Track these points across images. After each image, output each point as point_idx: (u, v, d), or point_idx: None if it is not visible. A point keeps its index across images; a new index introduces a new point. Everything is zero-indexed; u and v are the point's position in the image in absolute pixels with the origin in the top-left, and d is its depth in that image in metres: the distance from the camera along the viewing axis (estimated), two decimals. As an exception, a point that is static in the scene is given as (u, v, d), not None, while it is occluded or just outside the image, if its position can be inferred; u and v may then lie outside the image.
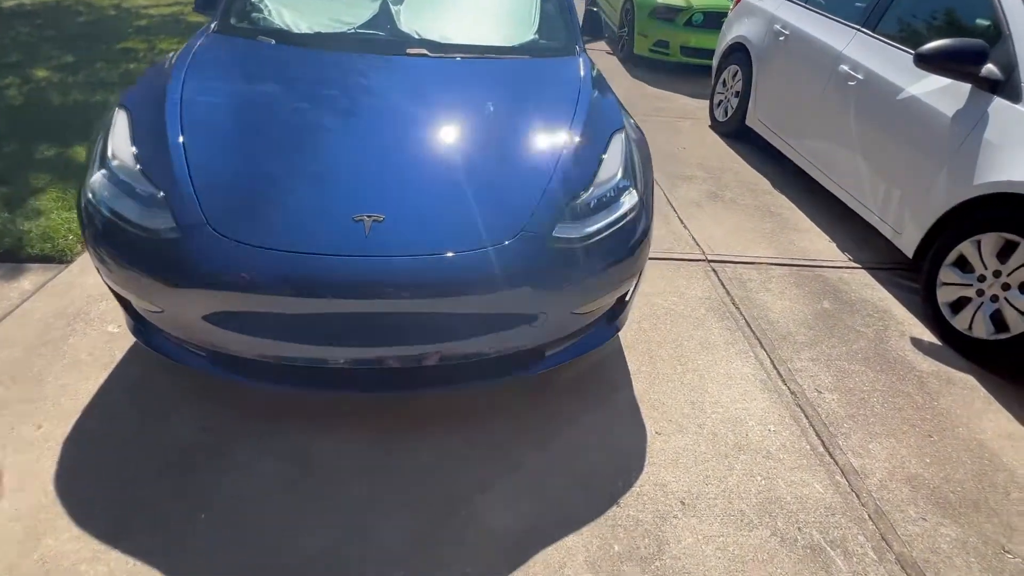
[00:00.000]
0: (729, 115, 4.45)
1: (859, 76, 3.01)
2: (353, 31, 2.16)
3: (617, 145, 1.78)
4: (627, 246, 1.67)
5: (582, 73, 2.12)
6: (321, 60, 2.04)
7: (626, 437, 1.83)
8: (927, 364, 2.29)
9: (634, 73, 6.06)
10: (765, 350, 2.26)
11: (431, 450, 1.71)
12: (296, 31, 2.13)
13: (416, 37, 2.16)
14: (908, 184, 2.67)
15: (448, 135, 1.80)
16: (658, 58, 6.07)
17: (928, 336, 2.45)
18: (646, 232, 1.74)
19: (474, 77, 2.02)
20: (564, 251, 1.53)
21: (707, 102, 4.86)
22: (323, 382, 1.56)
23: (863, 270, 2.89)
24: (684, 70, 6.07)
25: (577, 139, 1.76)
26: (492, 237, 1.47)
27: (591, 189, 1.63)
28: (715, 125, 4.68)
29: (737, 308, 2.49)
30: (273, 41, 2.04)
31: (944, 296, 2.43)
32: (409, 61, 2.04)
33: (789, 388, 2.09)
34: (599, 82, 2.19)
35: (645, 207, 1.76)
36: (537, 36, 2.36)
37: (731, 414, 1.95)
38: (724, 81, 4.57)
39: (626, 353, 2.17)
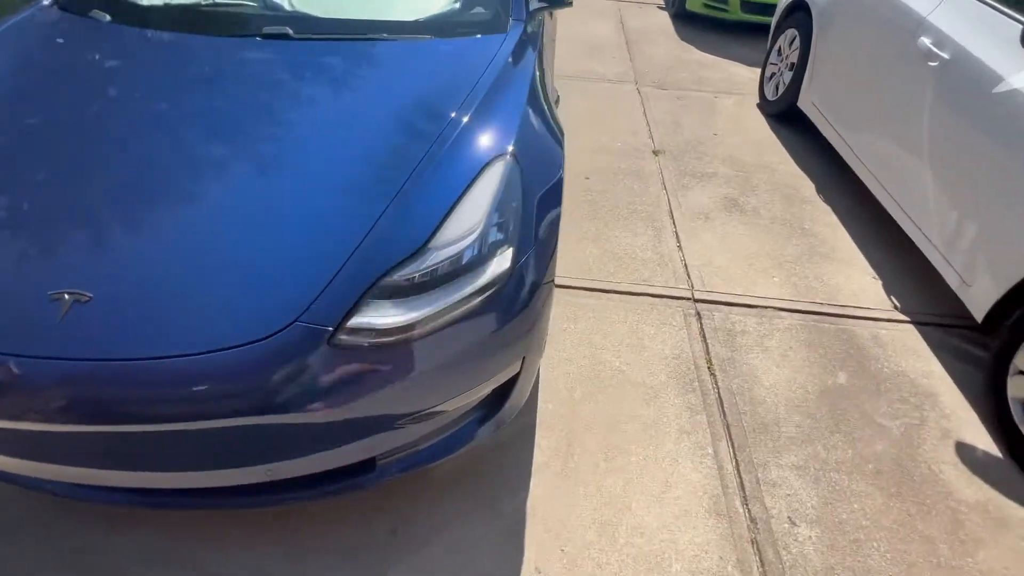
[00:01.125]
0: (780, 93, 3.58)
1: (944, 55, 2.16)
2: (210, 4, 1.69)
3: (489, 182, 1.22)
4: (486, 333, 1.16)
5: (489, 64, 1.52)
6: (137, 48, 1.58)
7: (494, 570, 1.37)
8: (972, 490, 1.61)
9: (683, 33, 5.14)
10: (732, 446, 1.68)
11: (229, 564, 1.33)
12: (143, 3, 1.69)
13: (286, 11, 1.66)
14: (992, 218, 1.88)
15: (234, 171, 1.26)
16: (714, 15, 5.10)
17: (985, 442, 1.75)
18: (525, 306, 1.21)
19: (334, 72, 1.48)
20: (364, 350, 1.05)
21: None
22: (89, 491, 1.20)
23: (911, 325, 2.15)
24: (744, 31, 5.08)
25: (427, 175, 1.21)
26: (246, 330, 1.01)
27: (428, 254, 1.11)
28: (763, 104, 3.81)
29: (712, 375, 1.89)
30: (108, 18, 1.61)
31: (1018, 390, 1.71)
32: (260, 47, 1.54)
33: (748, 512, 1.52)
34: (510, 76, 1.55)
35: (530, 271, 1.22)
36: (457, 6, 1.78)
37: (652, 550, 1.42)
38: (779, 49, 3.67)
39: (538, 435, 1.67)
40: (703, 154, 3.22)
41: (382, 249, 1.10)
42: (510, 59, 1.57)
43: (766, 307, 2.18)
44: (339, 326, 1.03)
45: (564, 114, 3.64)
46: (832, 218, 2.74)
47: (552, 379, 1.84)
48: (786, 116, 3.56)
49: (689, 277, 2.31)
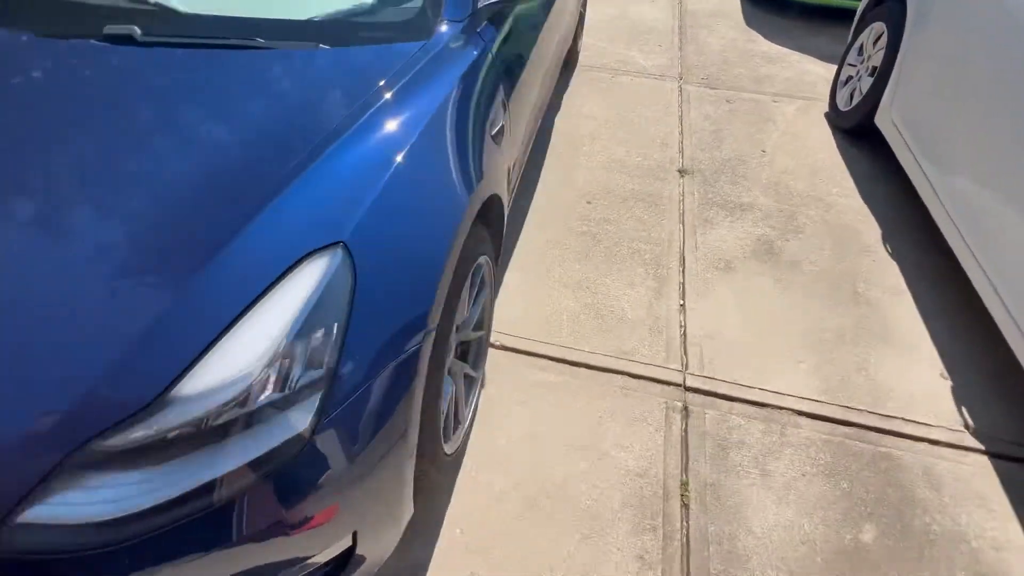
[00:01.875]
0: (855, 103, 2.88)
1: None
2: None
3: (291, 294, 0.80)
4: (262, 526, 0.77)
5: (372, 91, 1.04)
6: None
7: None
8: None
9: (753, 18, 4.37)
10: (688, 630, 1.22)
11: None
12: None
13: (146, 5, 1.28)
14: None
15: None
16: (791, -3, 4.30)
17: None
18: (338, 483, 0.81)
19: (148, 101, 1.03)
20: (45, 563, 0.69)
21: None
22: None
23: (985, 458, 1.57)
24: (830, 18, 4.25)
25: (201, 277, 0.79)
26: None
27: (166, 409, 0.73)
28: (832, 115, 3.11)
29: (685, 508, 1.42)
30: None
31: None
32: (96, 55, 1.17)
33: None
34: (402, 109, 1.06)
35: (354, 430, 0.82)
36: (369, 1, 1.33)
37: None
38: (861, 47, 2.94)
39: None
40: (742, 177, 2.62)
41: (102, 394, 0.73)
42: (415, 81, 1.11)
43: (781, 408, 1.66)
44: (3, 520, 0.68)
45: (580, 116, 3.19)
46: (897, 279, 2.12)
47: (470, 487, 1.44)
48: (860, 133, 2.86)
49: (685, 353, 1.81)
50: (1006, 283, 1.67)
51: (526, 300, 1.97)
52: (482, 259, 1.36)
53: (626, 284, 2.05)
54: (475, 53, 1.28)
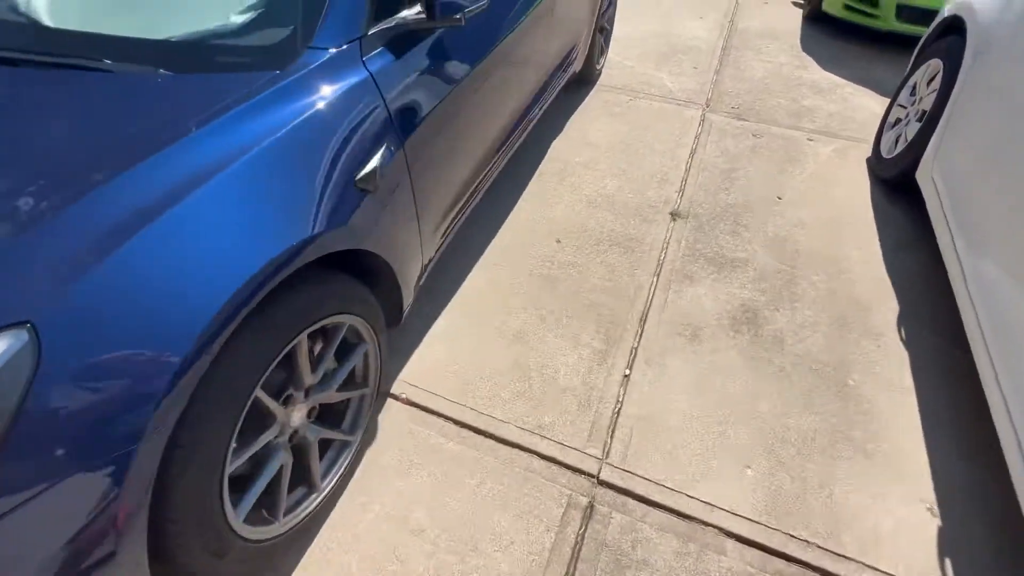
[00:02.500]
0: (898, 150, 2.46)
1: None
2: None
3: None
4: None
5: (174, 138, 0.88)
6: None
7: None
8: None
9: (809, 42, 3.94)
10: None
11: None
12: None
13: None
14: None
15: None
16: (858, 21, 3.83)
17: None
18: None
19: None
20: None
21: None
22: None
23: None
24: (896, 46, 3.75)
25: None
26: None
27: None
28: (874, 161, 2.69)
29: (550, 637, 1.19)
30: None
31: None
32: None
33: None
34: (194, 160, 0.90)
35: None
36: (247, 13, 1.19)
37: None
38: (915, 86, 2.52)
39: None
40: (744, 227, 2.30)
41: None
42: (238, 116, 0.95)
43: (707, 523, 1.38)
44: None
45: (581, 141, 2.91)
46: (903, 375, 1.75)
47: (320, 567, 1.27)
48: (900, 186, 2.45)
49: (611, 437, 1.56)
50: (1022, 409, 1.30)
51: (452, 348, 1.78)
52: (344, 318, 1.19)
53: (570, 342, 1.81)
54: (344, 85, 1.11)
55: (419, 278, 1.62)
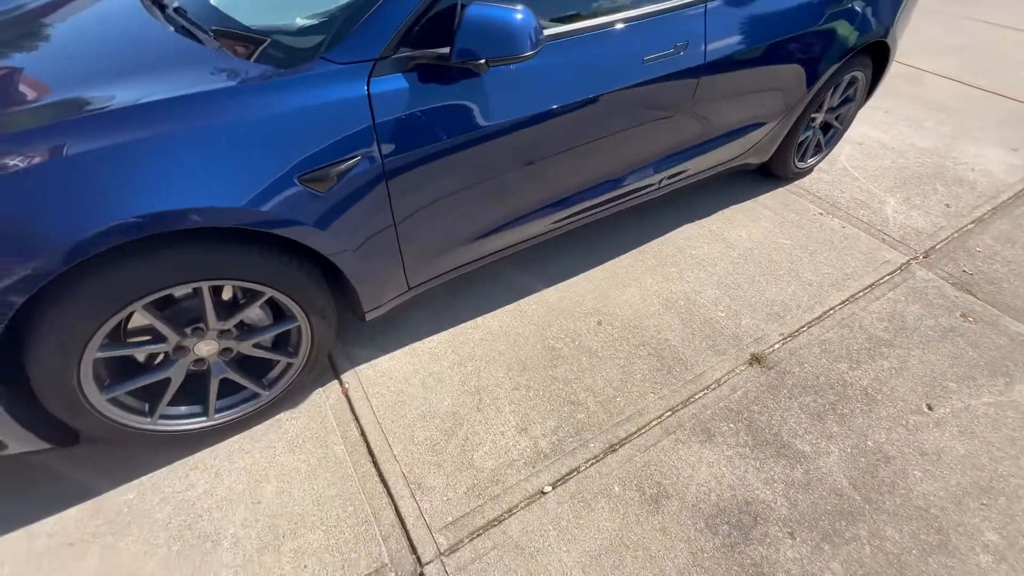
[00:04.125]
0: None
1: None
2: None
3: None
4: None
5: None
6: None
7: None
8: None
9: None
10: None
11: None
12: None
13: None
14: None
15: None
16: None
17: None
18: None
19: None
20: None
21: None
22: None
23: None
24: None
25: None
26: None
27: None
28: None
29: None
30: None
31: None
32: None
33: None
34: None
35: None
36: (312, 19, 1.34)
37: None
38: None
39: None
40: (837, 417, 1.70)
41: None
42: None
43: None
44: None
45: (715, 235, 2.46)
46: None
47: None
48: None
49: (468, 540, 1.37)
50: None
51: (419, 368, 1.79)
52: (264, 289, 1.32)
53: (518, 426, 1.64)
54: (332, 95, 1.20)
55: (402, 295, 1.66)
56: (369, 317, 1.63)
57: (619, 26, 1.59)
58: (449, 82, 1.33)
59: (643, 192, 2.09)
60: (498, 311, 2.01)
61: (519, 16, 1.25)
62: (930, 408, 1.76)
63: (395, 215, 1.42)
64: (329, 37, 1.27)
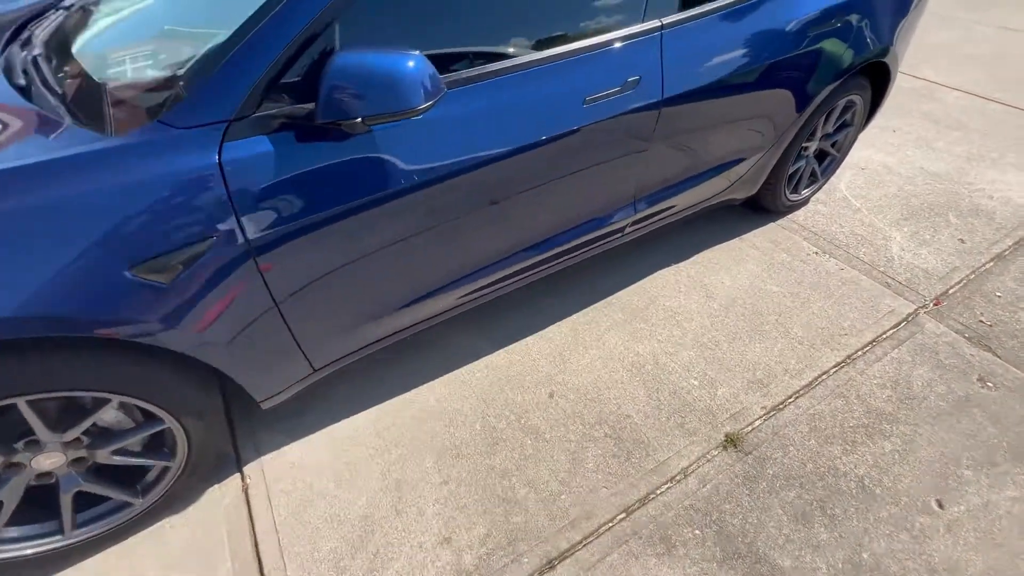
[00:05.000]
0: None
1: None
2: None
3: None
4: None
5: None
6: None
7: None
8: None
9: None
10: None
11: None
12: None
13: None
14: None
15: None
16: None
17: None
18: None
19: None
20: None
21: None
22: None
23: None
24: None
25: None
26: None
27: None
28: None
29: None
30: None
31: None
32: None
33: None
34: None
35: None
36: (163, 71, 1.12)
37: None
38: None
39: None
40: (825, 520, 1.42)
41: None
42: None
43: None
44: None
45: (699, 283, 2.16)
46: None
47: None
48: None
49: None
50: None
51: (336, 459, 1.54)
52: (110, 396, 1.09)
53: (440, 534, 1.38)
54: (166, 167, 0.97)
55: (307, 377, 1.43)
56: (268, 406, 1.40)
57: (552, 64, 1.34)
58: (328, 141, 1.09)
59: (602, 242, 1.83)
60: (437, 381, 1.76)
61: (408, 63, 1.01)
62: (941, 506, 1.46)
63: (275, 295, 1.18)
64: (171, 95, 1.05)
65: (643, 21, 1.46)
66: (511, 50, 1.30)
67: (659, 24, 1.48)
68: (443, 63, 1.20)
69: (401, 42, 1.13)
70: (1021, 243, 2.37)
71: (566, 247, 1.71)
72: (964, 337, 1.94)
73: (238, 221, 1.05)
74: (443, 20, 1.21)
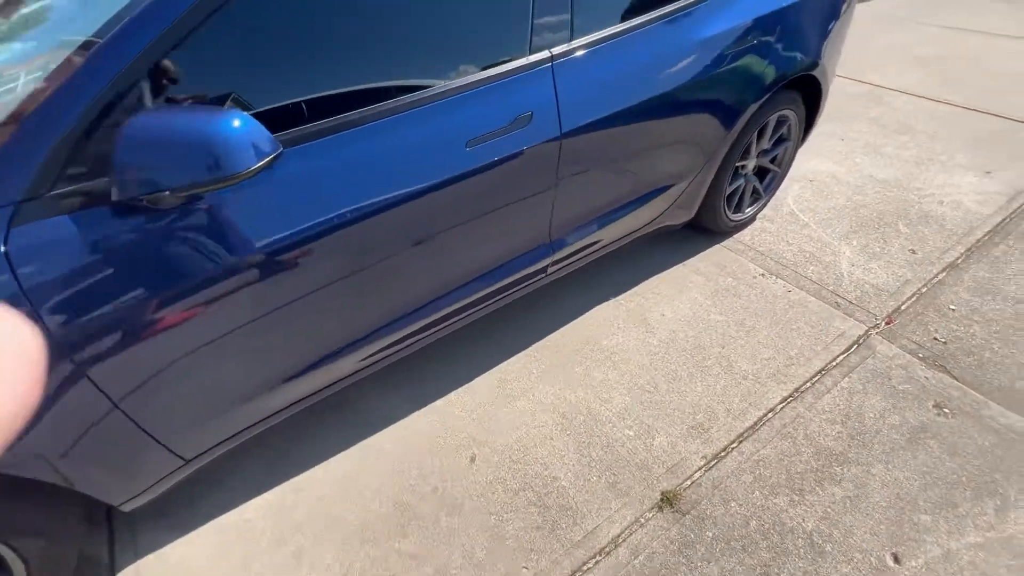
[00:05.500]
0: None
1: None
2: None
3: None
4: None
5: None
6: None
7: None
8: None
9: None
10: None
11: None
12: None
13: None
14: None
15: None
16: None
17: None
18: None
19: None
20: None
21: None
22: None
23: None
24: None
25: None
26: None
27: None
28: None
29: None
30: None
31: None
32: None
33: None
34: None
35: None
36: None
37: None
38: None
39: None
40: (775, 569, 1.27)
41: None
42: None
43: None
44: None
45: (638, 319, 2.01)
46: None
47: None
48: None
49: None
50: None
51: (208, 555, 1.37)
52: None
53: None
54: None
55: (179, 469, 1.27)
56: (130, 508, 1.23)
57: (424, 108, 1.22)
58: (138, 218, 0.95)
59: (521, 287, 1.70)
60: (348, 452, 1.61)
61: (221, 123, 0.88)
62: (897, 560, 1.32)
63: (110, 395, 1.03)
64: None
65: (530, 54, 1.35)
66: (374, 95, 1.18)
67: (548, 55, 1.37)
68: (287, 115, 1.08)
69: (240, 93, 1.01)
70: (973, 250, 2.27)
71: (476, 296, 1.57)
72: (918, 358, 1.82)
73: (39, 318, 0.90)
74: (288, 65, 1.08)
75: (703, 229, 2.37)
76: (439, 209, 1.28)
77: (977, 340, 1.87)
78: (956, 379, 1.75)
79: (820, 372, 1.79)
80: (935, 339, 1.89)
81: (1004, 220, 2.42)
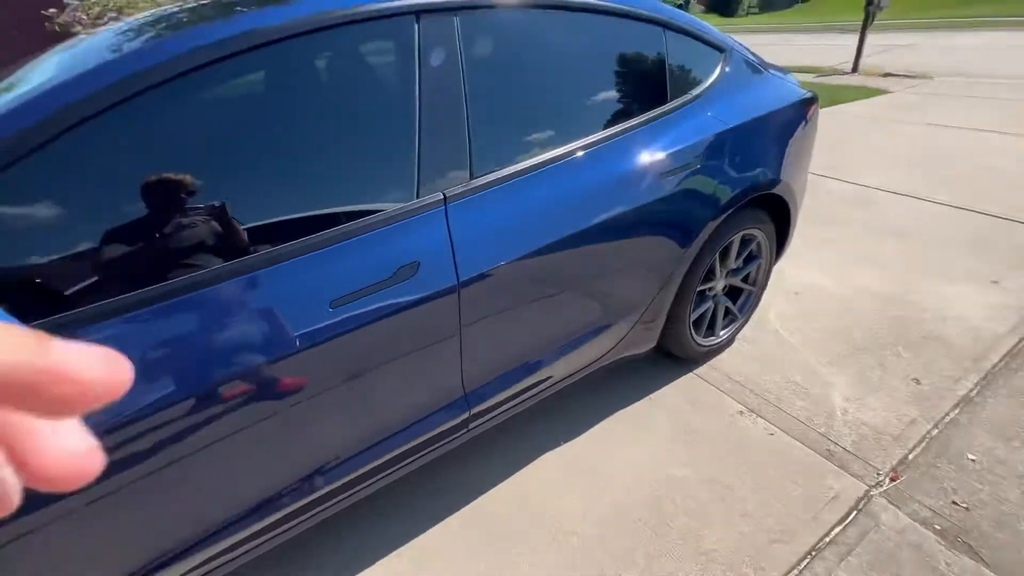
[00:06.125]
0: None
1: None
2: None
3: None
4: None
5: None
6: None
7: None
8: None
9: None
10: None
11: None
12: None
13: None
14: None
15: None
16: None
17: None
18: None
19: None
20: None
21: None
22: None
23: None
24: None
25: None
26: None
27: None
28: None
29: None
30: None
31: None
32: None
33: None
34: None
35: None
36: None
37: None
38: None
39: None
40: None
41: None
42: None
43: None
44: None
45: (584, 468, 1.68)
46: None
47: None
48: None
49: None
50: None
51: None
52: None
53: None
54: None
55: None
56: None
57: (280, 264, 1.04)
58: None
59: (430, 449, 1.43)
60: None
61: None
62: None
63: None
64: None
65: (417, 197, 1.18)
66: (223, 251, 1.00)
67: (441, 197, 1.20)
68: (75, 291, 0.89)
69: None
70: (989, 379, 1.95)
71: (372, 466, 1.30)
72: (934, 531, 1.46)
73: None
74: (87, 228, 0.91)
75: (673, 357, 2.11)
76: (303, 375, 1.06)
77: (1009, 504, 1.51)
78: (988, 566, 1.37)
79: (809, 554, 1.43)
80: (954, 502, 1.53)
81: (1022, 340, 2.11)
